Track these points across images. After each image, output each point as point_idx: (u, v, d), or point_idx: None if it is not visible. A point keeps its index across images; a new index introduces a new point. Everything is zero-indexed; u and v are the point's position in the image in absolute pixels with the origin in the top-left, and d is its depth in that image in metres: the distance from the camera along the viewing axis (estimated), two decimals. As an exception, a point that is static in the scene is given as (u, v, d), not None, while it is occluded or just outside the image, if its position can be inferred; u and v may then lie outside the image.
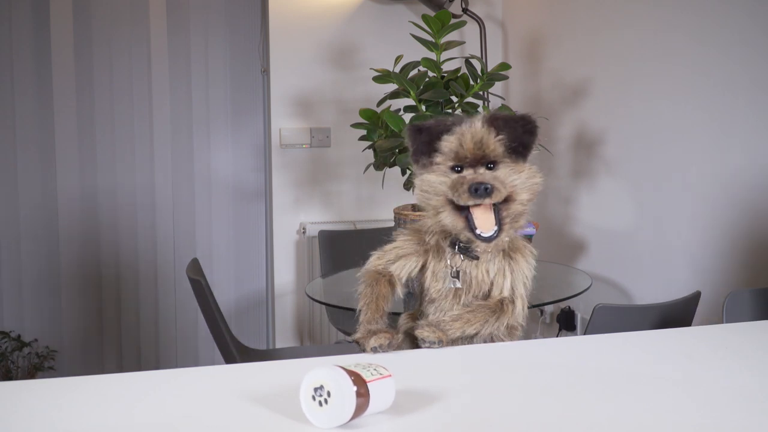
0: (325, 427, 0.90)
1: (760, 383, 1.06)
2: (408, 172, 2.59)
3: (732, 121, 2.35)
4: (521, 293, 1.36)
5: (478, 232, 1.27)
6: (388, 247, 1.40)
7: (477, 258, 1.34)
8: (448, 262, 1.35)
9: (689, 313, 2.02)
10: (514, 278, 1.35)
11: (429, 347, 1.27)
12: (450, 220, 1.28)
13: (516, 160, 1.30)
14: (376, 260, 1.40)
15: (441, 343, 1.28)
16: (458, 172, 1.29)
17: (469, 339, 1.36)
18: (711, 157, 2.44)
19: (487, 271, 1.34)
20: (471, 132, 1.28)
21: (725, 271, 2.40)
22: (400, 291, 1.39)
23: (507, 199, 1.28)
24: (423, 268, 1.39)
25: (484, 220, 1.27)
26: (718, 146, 2.41)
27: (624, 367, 1.14)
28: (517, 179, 1.28)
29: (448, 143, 1.29)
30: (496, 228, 1.27)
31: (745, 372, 1.11)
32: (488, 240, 1.28)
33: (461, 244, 1.33)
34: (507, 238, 1.32)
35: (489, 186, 1.24)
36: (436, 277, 1.36)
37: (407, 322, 1.49)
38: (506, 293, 1.35)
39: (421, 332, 1.29)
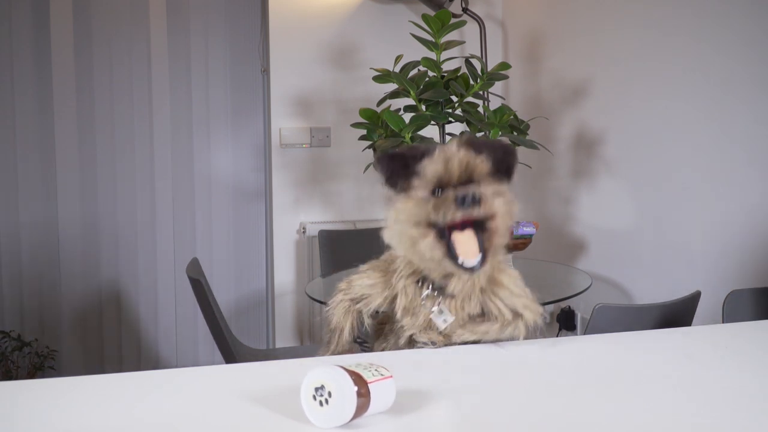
0: (325, 427, 0.90)
1: (760, 383, 1.06)
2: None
3: (732, 120, 2.35)
4: (524, 304, 1.27)
5: (460, 260, 1.16)
6: (355, 278, 1.33)
7: (453, 296, 1.24)
8: (422, 303, 1.25)
9: (689, 313, 2.02)
10: (504, 300, 1.27)
11: (422, 347, 1.27)
12: (429, 249, 1.17)
13: (497, 183, 1.21)
14: (342, 296, 1.33)
15: (435, 344, 1.26)
16: (437, 196, 1.18)
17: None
18: (711, 156, 2.44)
19: (463, 308, 1.25)
20: (458, 156, 1.19)
21: (725, 271, 2.40)
22: (366, 322, 1.33)
23: (488, 228, 1.18)
24: (391, 302, 1.30)
25: (468, 247, 1.16)
26: (718, 146, 2.41)
27: (624, 367, 1.14)
28: (498, 201, 1.19)
29: (432, 167, 1.19)
30: (480, 256, 1.16)
31: (745, 372, 1.11)
32: (471, 271, 1.16)
33: (435, 285, 1.24)
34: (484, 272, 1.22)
35: (477, 195, 1.15)
36: (409, 312, 1.27)
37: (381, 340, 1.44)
38: (508, 316, 1.26)
39: (418, 336, 1.26)
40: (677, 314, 1.94)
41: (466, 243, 1.16)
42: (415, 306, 1.26)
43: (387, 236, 1.23)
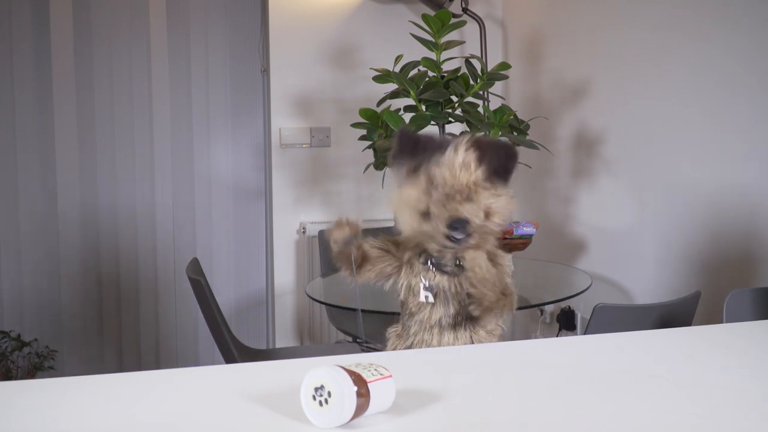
0: (325, 427, 0.90)
1: (760, 383, 1.06)
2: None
3: (732, 120, 2.35)
4: (509, 286, 1.44)
5: (449, 234, 1.35)
6: (372, 242, 1.52)
7: (448, 273, 1.43)
8: (421, 277, 1.44)
9: (689, 313, 2.02)
10: (499, 272, 1.43)
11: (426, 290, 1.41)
12: (425, 227, 1.37)
13: (495, 184, 1.39)
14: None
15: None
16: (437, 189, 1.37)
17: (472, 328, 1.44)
18: (711, 156, 2.44)
19: (459, 284, 1.43)
20: (460, 161, 1.36)
21: (725, 271, 2.40)
22: (363, 272, 1.50)
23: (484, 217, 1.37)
24: (397, 280, 1.50)
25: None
26: (718, 146, 2.41)
27: (624, 367, 1.14)
28: (494, 202, 1.38)
29: (439, 170, 1.36)
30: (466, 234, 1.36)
31: (745, 372, 1.11)
32: (457, 241, 1.36)
33: (433, 260, 1.43)
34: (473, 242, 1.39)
35: (466, 221, 1.34)
36: (412, 291, 1.46)
37: (393, 341, 1.52)
38: (492, 297, 1.41)
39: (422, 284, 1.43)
40: (677, 314, 1.95)
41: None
42: (415, 285, 1.46)
43: (392, 208, 1.43)
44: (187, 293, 3.48)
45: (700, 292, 2.08)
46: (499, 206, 1.38)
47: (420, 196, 1.38)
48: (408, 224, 1.41)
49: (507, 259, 1.49)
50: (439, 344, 1.46)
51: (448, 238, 1.36)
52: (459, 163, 1.36)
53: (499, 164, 1.38)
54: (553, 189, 3.33)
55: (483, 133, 2.58)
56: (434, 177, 1.36)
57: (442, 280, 1.44)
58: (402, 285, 1.48)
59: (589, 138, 3.06)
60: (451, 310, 1.45)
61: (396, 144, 1.42)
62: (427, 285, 1.44)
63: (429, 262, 1.44)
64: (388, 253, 1.50)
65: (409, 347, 1.50)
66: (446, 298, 1.44)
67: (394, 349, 1.53)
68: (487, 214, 1.37)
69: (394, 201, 1.42)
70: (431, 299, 1.44)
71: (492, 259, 1.45)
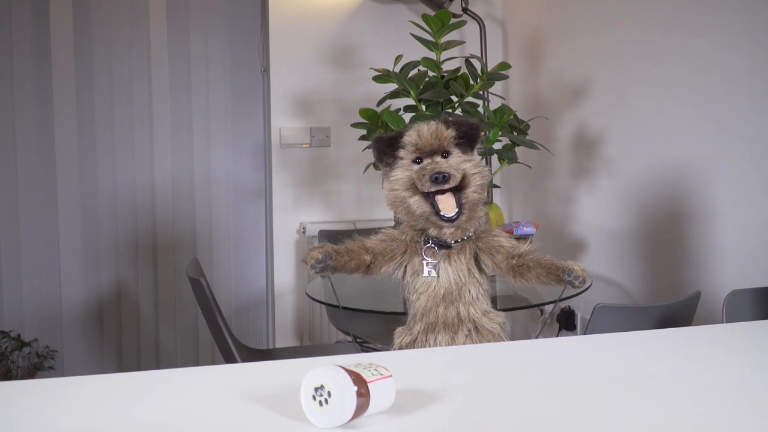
0: (325, 427, 0.90)
1: (760, 383, 1.06)
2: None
3: (732, 120, 2.35)
4: (515, 243, 1.63)
5: (441, 213, 1.51)
6: (371, 237, 1.64)
7: (449, 246, 1.56)
8: (423, 255, 1.56)
9: (689, 313, 2.02)
10: (500, 242, 1.60)
11: (571, 282, 1.53)
12: (418, 205, 1.52)
13: (465, 152, 1.56)
14: (361, 240, 1.63)
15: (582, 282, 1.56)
16: (419, 163, 1.54)
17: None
18: (711, 156, 2.44)
19: (460, 259, 1.56)
20: (426, 125, 1.55)
21: (725, 271, 2.40)
22: (372, 267, 1.60)
23: (463, 186, 1.52)
24: (404, 272, 1.61)
25: (447, 204, 1.52)
26: (719, 145, 2.41)
27: (624, 367, 1.14)
28: (468, 165, 1.53)
29: (408, 137, 1.55)
30: (456, 210, 1.51)
31: (745, 372, 1.11)
32: (450, 220, 1.52)
33: (433, 239, 1.56)
34: (467, 222, 1.55)
35: (446, 174, 1.49)
36: (416, 272, 1.58)
37: (402, 337, 1.57)
38: (507, 244, 1.61)
39: (569, 265, 1.56)
40: (677, 314, 1.95)
41: (445, 201, 1.52)
42: (417, 264, 1.58)
43: (388, 200, 1.58)
44: (187, 293, 3.48)
45: (700, 292, 2.08)
46: (472, 169, 1.53)
47: (404, 173, 1.54)
48: (404, 211, 1.56)
49: (497, 231, 1.62)
50: (446, 321, 1.55)
51: (441, 218, 1.51)
52: (427, 129, 1.54)
53: (464, 133, 1.55)
54: (553, 189, 3.33)
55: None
56: (405, 145, 1.54)
57: (444, 259, 1.55)
58: (407, 266, 1.60)
59: (589, 138, 3.06)
60: (454, 285, 1.56)
61: (374, 151, 1.59)
62: (429, 261, 1.56)
63: (431, 240, 1.56)
64: (394, 241, 1.61)
65: (415, 337, 1.57)
66: (449, 274, 1.56)
67: (401, 342, 1.60)
68: (464, 177, 1.52)
69: (386, 193, 1.58)
70: (434, 274, 1.56)
71: (483, 237, 1.60)
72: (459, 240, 1.57)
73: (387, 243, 1.61)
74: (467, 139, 1.56)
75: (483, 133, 1.62)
